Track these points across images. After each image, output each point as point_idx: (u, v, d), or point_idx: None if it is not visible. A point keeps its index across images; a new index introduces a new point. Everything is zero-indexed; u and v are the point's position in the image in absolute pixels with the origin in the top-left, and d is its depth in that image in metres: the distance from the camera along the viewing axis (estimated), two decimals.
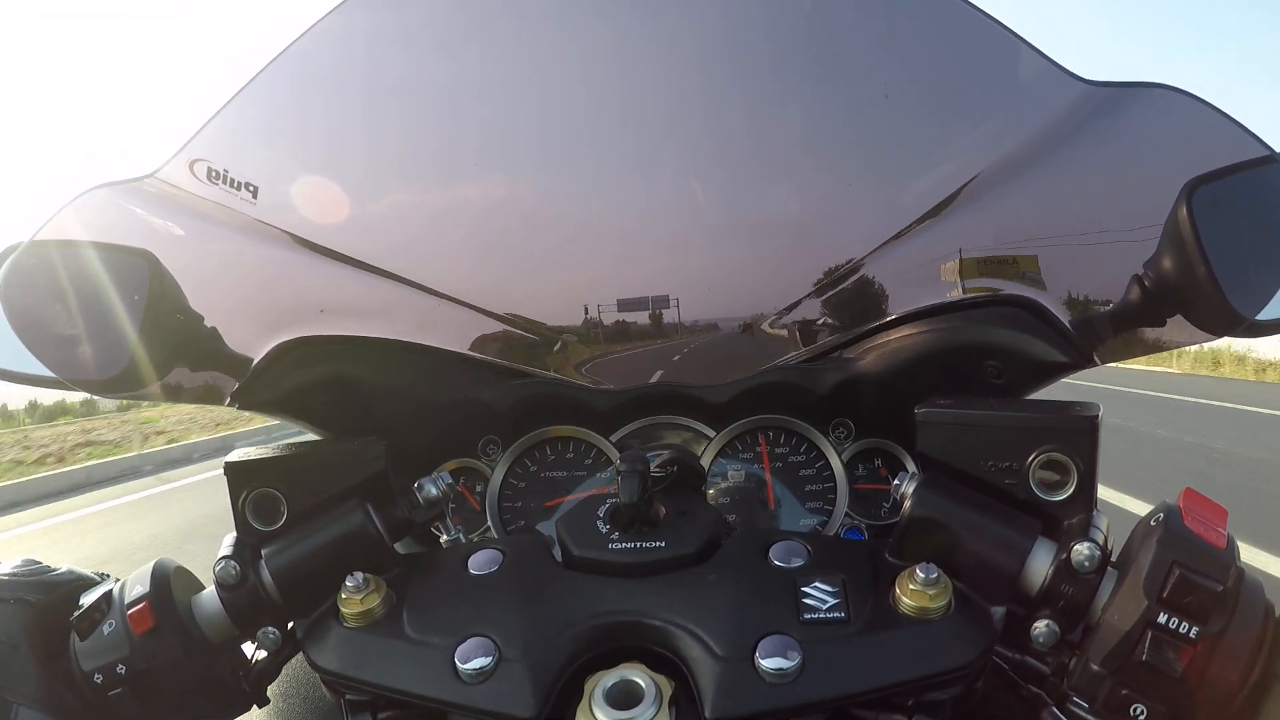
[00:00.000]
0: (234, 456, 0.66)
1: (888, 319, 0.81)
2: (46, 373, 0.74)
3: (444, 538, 0.75)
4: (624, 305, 0.85)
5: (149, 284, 0.74)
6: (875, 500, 0.89)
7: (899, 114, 0.77)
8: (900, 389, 0.79)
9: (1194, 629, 0.49)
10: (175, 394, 0.80)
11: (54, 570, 0.68)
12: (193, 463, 10.31)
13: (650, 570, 0.60)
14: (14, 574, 0.66)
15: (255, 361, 0.80)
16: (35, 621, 0.63)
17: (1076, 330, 0.75)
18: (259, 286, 0.81)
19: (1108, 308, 0.73)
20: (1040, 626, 0.55)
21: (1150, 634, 0.50)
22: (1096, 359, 0.75)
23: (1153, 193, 0.67)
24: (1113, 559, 0.56)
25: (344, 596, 0.60)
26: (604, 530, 0.63)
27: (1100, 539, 0.55)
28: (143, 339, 0.73)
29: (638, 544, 0.61)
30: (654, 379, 0.88)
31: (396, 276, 0.81)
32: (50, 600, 0.65)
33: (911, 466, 0.87)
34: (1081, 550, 0.54)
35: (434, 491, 0.69)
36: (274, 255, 0.79)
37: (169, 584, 0.63)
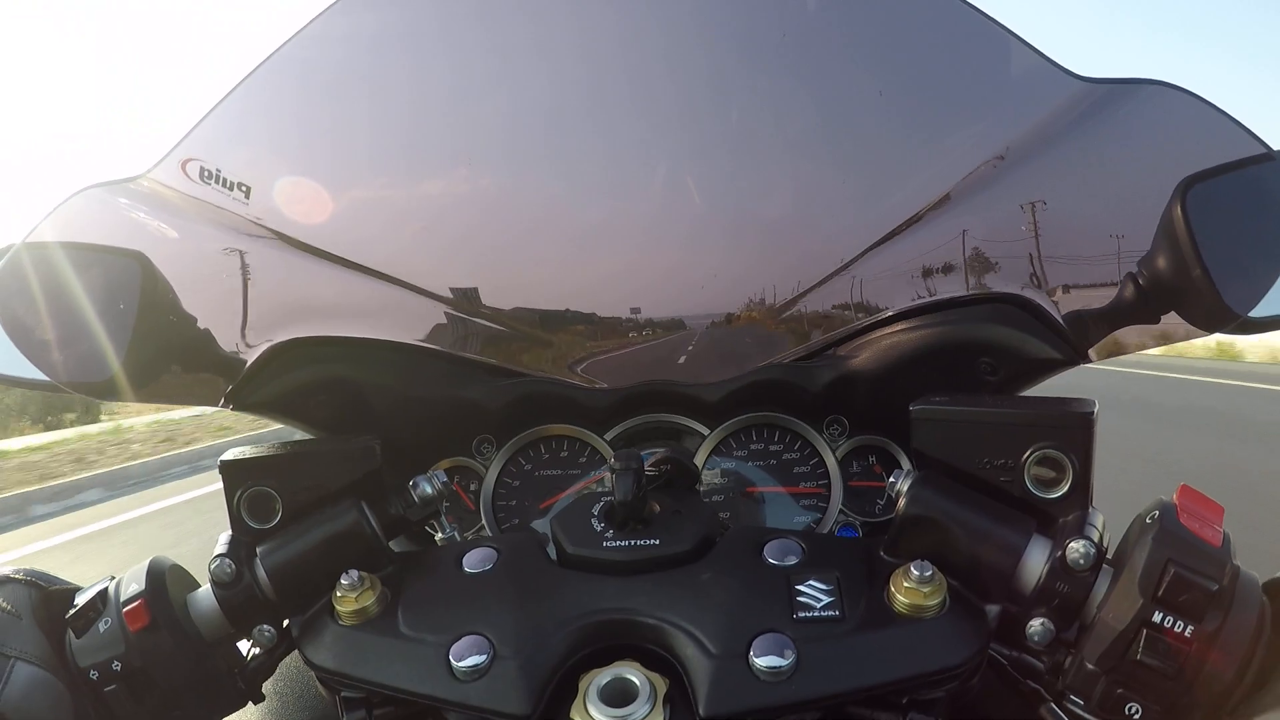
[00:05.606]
0: (229, 455, 0.66)
1: (882, 316, 0.81)
2: (39, 376, 0.74)
3: (438, 536, 0.75)
4: (617, 306, 0.85)
5: (141, 285, 0.74)
6: (870, 497, 0.89)
7: (892, 111, 0.77)
8: (894, 386, 0.79)
9: (1189, 627, 0.49)
10: (168, 396, 0.80)
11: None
12: None
13: (644, 568, 0.60)
14: (20, 568, 0.66)
15: (249, 363, 0.80)
16: (41, 601, 0.64)
17: (1071, 327, 0.74)
18: (252, 287, 0.81)
19: (1102, 304, 0.72)
20: (1035, 625, 0.55)
21: (1145, 633, 0.50)
22: (1091, 356, 0.75)
23: (1148, 190, 0.67)
24: (1108, 556, 0.56)
25: (339, 594, 0.60)
26: (598, 528, 0.63)
27: (1095, 536, 0.55)
28: (135, 341, 0.73)
29: (632, 542, 0.61)
30: (647, 377, 0.87)
31: (389, 277, 0.81)
32: (54, 589, 0.65)
33: (906, 463, 0.87)
34: (1076, 548, 0.53)
35: (429, 490, 0.69)
36: (267, 256, 0.79)
37: (164, 582, 0.63)
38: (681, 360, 0.87)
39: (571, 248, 0.86)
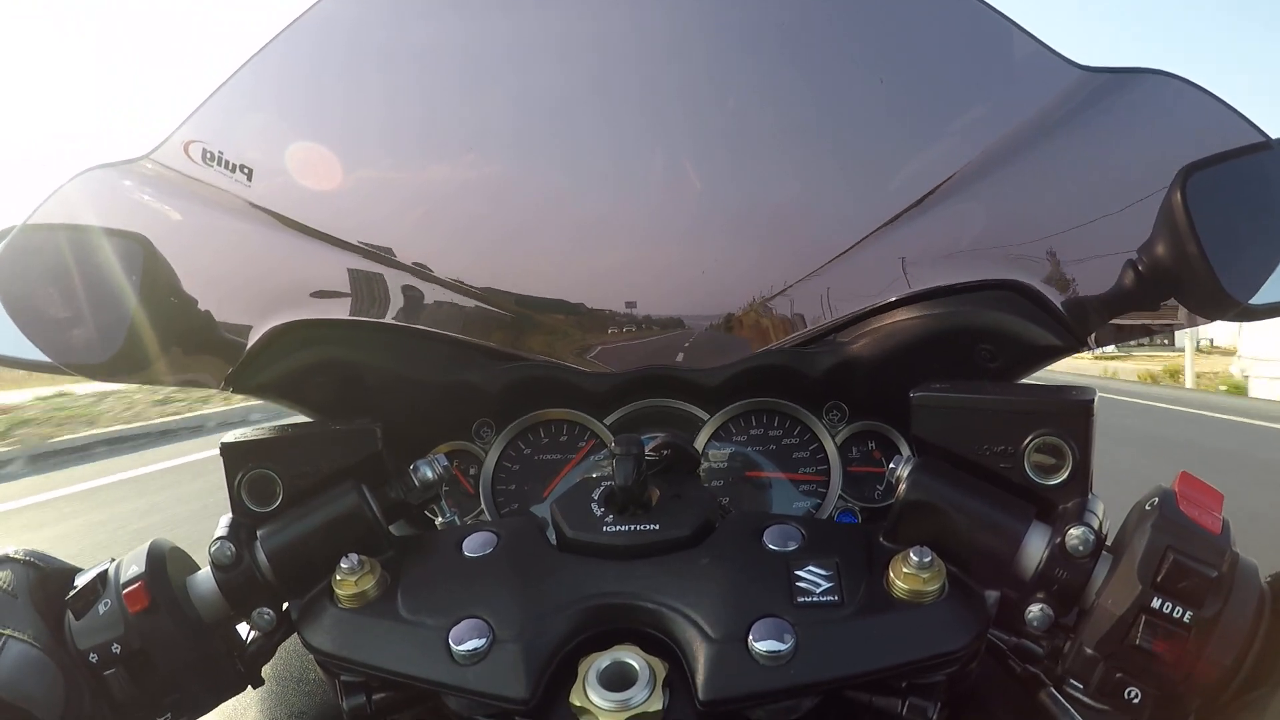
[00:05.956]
0: (230, 437, 0.66)
1: (881, 302, 0.81)
2: (41, 357, 0.73)
3: (439, 520, 0.75)
4: (618, 296, 0.85)
5: (143, 267, 0.74)
6: (869, 483, 0.89)
7: (893, 99, 0.78)
8: (894, 372, 0.79)
9: (1188, 613, 0.49)
10: (169, 377, 0.80)
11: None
12: None
13: (644, 553, 0.60)
14: (20, 548, 0.66)
15: (249, 345, 0.80)
16: (38, 581, 0.63)
17: (1070, 314, 0.75)
18: (253, 269, 0.81)
19: (1102, 291, 0.73)
20: (1034, 610, 0.55)
21: (1144, 618, 0.50)
22: (1090, 342, 0.75)
23: (1147, 178, 0.67)
24: (1108, 543, 0.56)
25: (339, 578, 0.60)
26: (598, 513, 0.63)
27: (1095, 523, 0.55)
28: (137, 323, 0.73)
29: (632, 527, 0.61)
30: (647, 362, 0.87)
31: (390, 260, 0.81)
32: (53, 569, 0.65)
33: (905, 449, 0.87)
34: (1076, 534, 0.54)
35: (429, 474, 0.69)
36: (269, 238, 0.79)
37: (164, 564, 0.63)
38: (682, 346, 0.87)
39: (574, 238, 0.86)
